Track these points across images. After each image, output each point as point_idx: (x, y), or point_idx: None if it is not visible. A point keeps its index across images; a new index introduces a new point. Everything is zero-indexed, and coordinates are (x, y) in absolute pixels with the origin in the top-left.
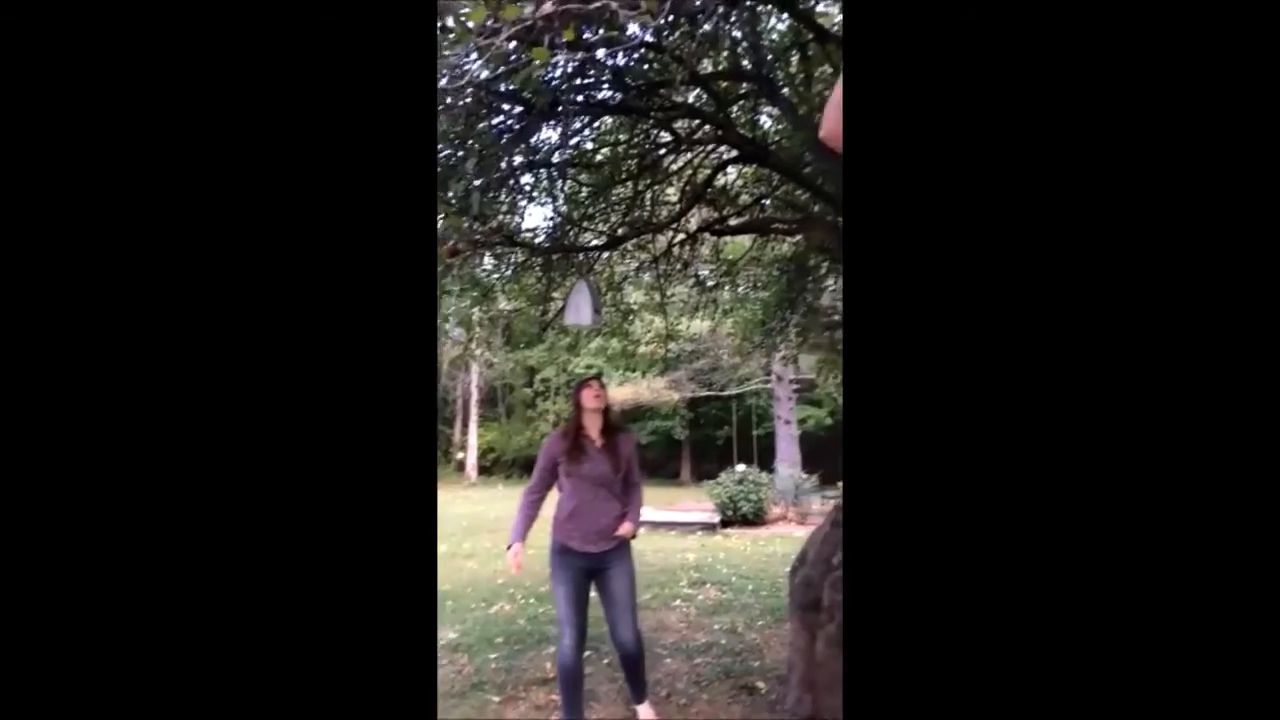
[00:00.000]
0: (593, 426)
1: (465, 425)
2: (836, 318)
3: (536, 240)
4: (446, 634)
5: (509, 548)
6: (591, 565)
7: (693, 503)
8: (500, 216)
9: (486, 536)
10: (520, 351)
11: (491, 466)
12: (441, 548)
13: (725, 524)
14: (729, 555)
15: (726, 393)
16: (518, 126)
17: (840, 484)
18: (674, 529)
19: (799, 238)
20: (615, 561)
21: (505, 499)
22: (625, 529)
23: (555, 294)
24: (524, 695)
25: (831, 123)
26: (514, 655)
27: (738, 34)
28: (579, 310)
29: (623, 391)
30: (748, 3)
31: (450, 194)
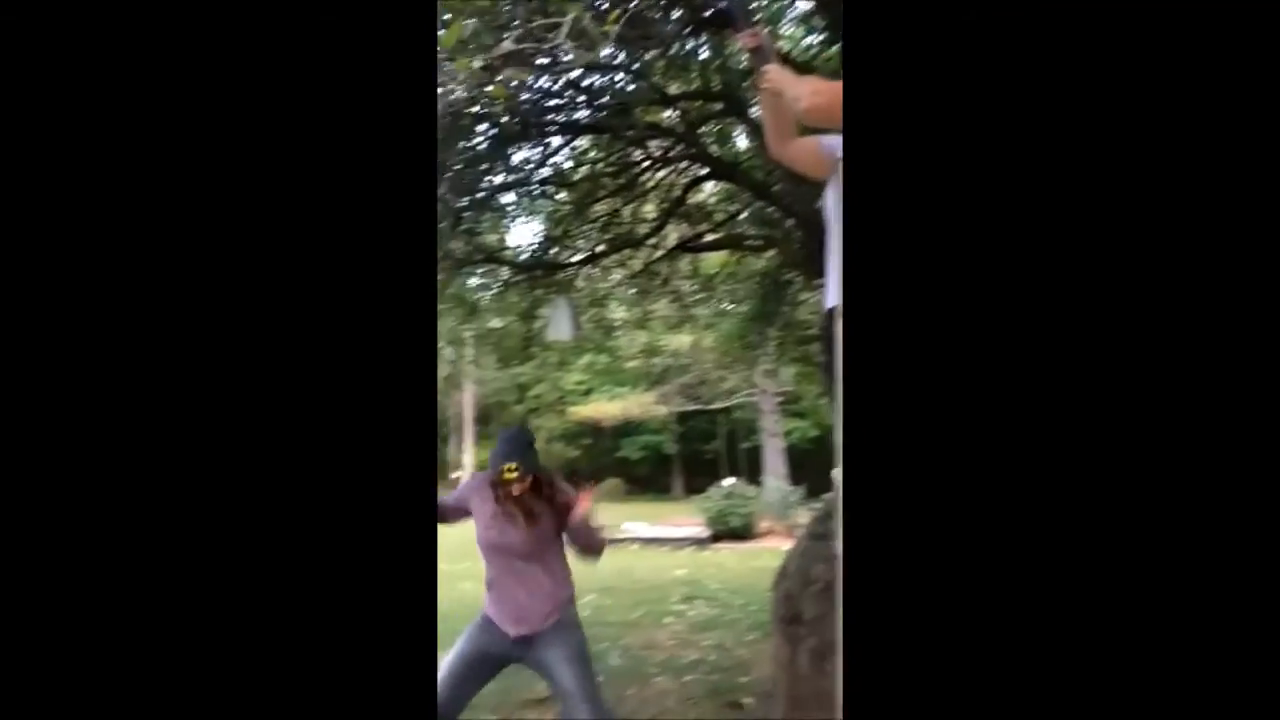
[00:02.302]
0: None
1: (461, 444)
2: (813, 331)
3: (520, 258)
4: (441, 654)
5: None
6: (514, 652)
7: (684, 518)
8: (483, 236)
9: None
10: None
11: None
12: (441, 567)
13: (715, 538)
14: (719, 570)
15: (714, 406)
16: (495, 147)
17: (823, 496)
18: (665, 545)
19: (772, 252)
20: (550, 648)
21: None
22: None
23: (539, 311)
24: (519, 716)
25: (776, 142)
26: (508, 675)
27: (706, 55)
28: (559, 325)
29: (611, 407)
30: (713, 28)
31: None
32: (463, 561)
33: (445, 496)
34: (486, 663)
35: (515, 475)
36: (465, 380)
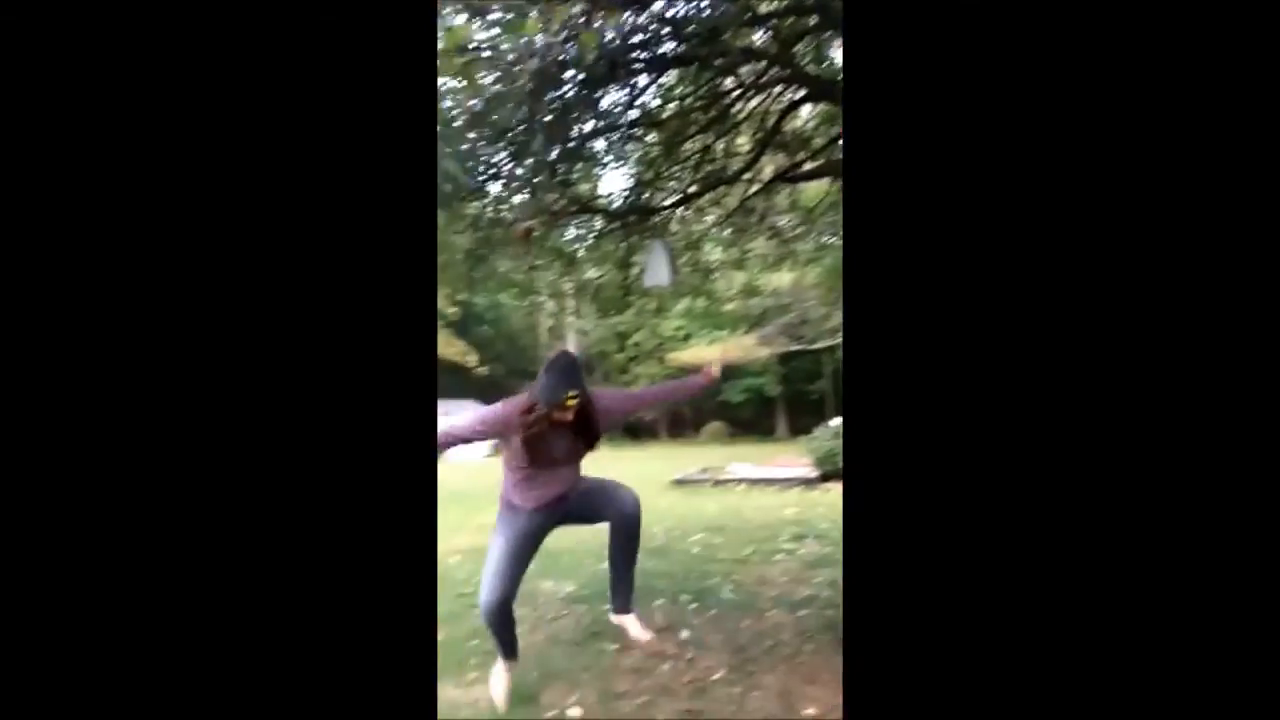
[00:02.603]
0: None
1: None
2: None
3: (612, 205)
4: (565, 587)
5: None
6: (546, 521)
7: (790, 458)
8: (576, 186)
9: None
10: (610, 318)
11: None
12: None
13: (824, 478)
14: (829, 510)
15: (817, 346)
16: (583, 93)
17: None
18: (772, 485)
19: None
20: (570, 498)
21: (612, 460)
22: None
23: (635, 258)
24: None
25: None
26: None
27: None
28: (656, 271)
29: (711, 351)
30: None
31: (522, 170)
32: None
33: (469, 421)
34: (528, 541)
35: (577, 401)
36: (568, 332)
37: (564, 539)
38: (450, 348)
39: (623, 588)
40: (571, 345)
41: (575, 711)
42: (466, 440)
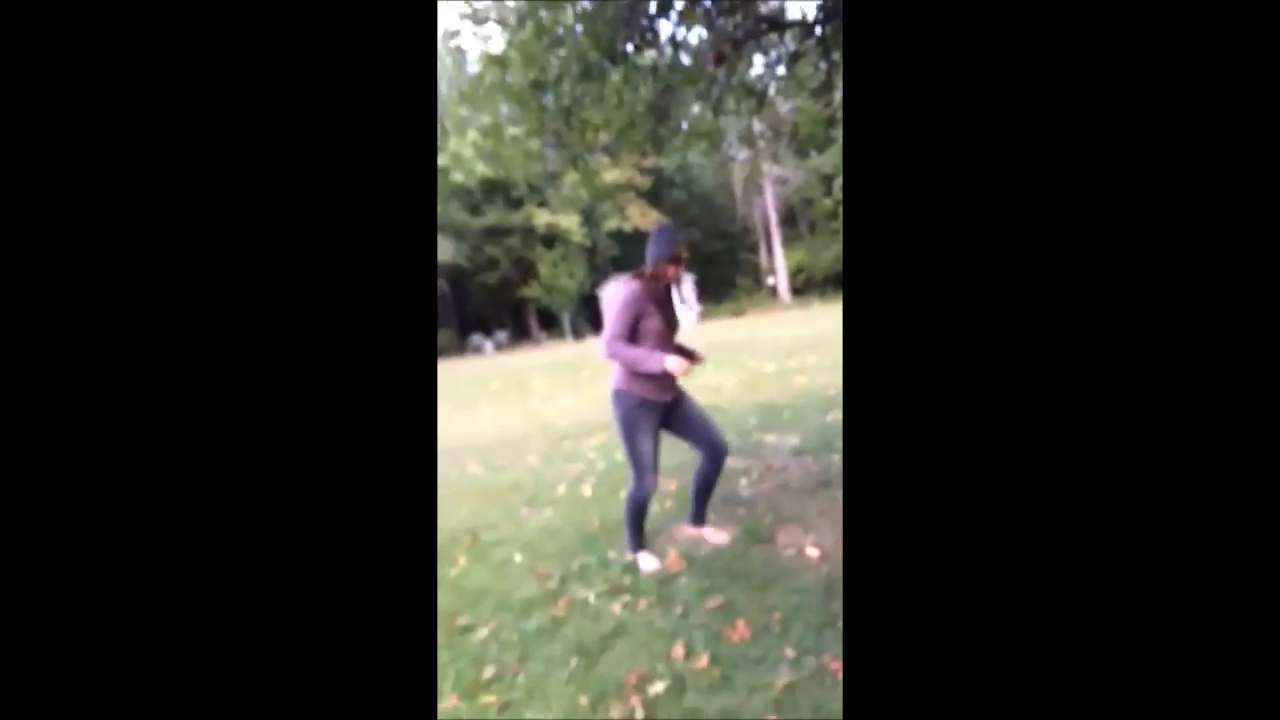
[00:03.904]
0: (675, 283)
1: (770, 249)
2: None
3: (807, 19)
4: (790, 440)
5: (669, 361)
6: (665, 414)
7: None
8: (756, 2)
9: (810, 353)
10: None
11: (804, 287)
12: (771, 366)
13: None
14: None
15: None
16: None
17: None
18: None
19: None
20: (682, 398)
21: (822, 316)
22: (697, 358)
23: (836, 79)
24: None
25: None
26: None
27: None
28: None
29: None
30: None
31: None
32: (790, 360)
33: (614, 320)
34: (657, 431)
35: (685, 253)
36: (764, 182)
37: (781, 395)
38: (645, 218)
39: (701, 507)
40: (770, 197)
41: (813, 551)
42: (627, 332)
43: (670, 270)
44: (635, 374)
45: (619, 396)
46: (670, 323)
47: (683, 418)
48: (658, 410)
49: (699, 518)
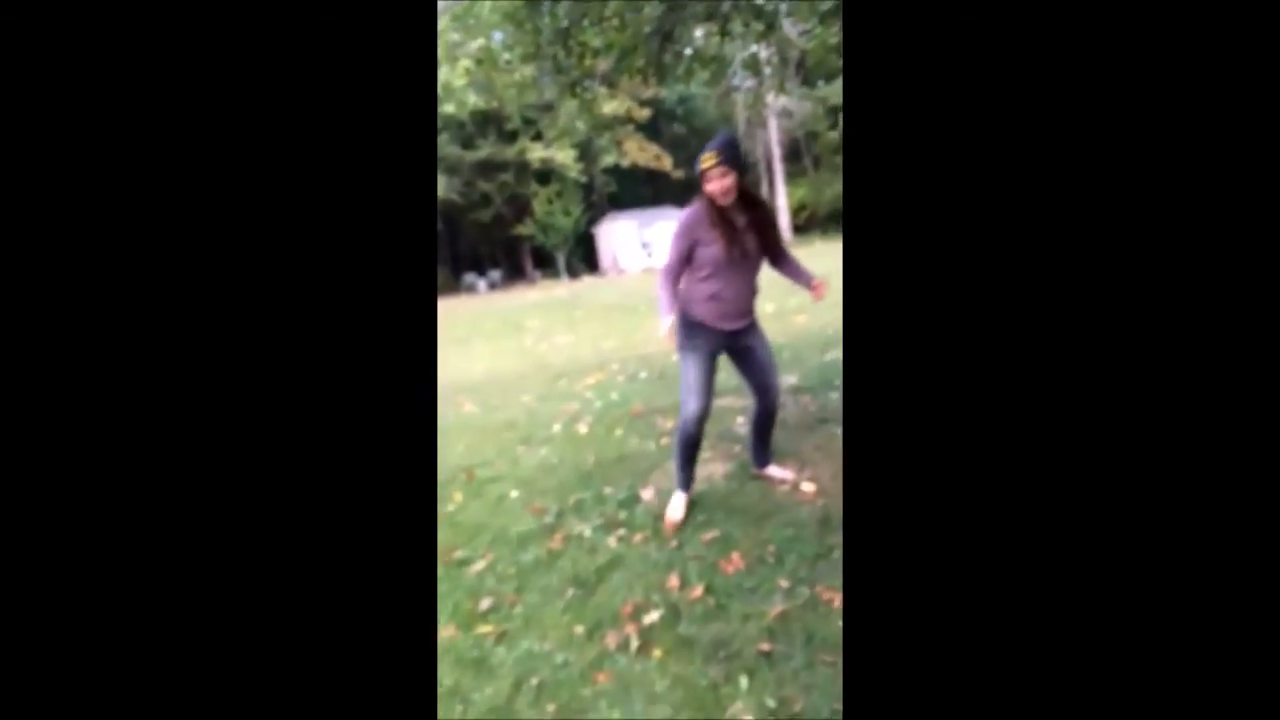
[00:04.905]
0: (731, 209)
1: (772, 184)
2: None
3: None
4: (789, 379)
5: (664, 326)
6: (727, 343)
7: None
8: None
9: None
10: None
11: (806, 224)
12: (770, 307)
13: None
14: None
15: None
16: None
17: None
18: None
19: None
20: (753, 335)
21: (824, 255)
22: (819, 289)
23: None
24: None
25: None
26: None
27: None
28: None
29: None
30: None
31: None
32: (791, 299)
33: (670, 260)
34: (711, 357)
35: (712, 164)
36: (768, 114)
37: (782, 335)
38: (643, 153)
39: (763, 449)
40: (774, 130)
41: (809, 486)
42: (678, 261)
43: (717, 187)
44: (692, 297)
45: (680, 317)
46: (744, 249)
47: (746, 354)
48: (714, 337)
49: (760, 460)
